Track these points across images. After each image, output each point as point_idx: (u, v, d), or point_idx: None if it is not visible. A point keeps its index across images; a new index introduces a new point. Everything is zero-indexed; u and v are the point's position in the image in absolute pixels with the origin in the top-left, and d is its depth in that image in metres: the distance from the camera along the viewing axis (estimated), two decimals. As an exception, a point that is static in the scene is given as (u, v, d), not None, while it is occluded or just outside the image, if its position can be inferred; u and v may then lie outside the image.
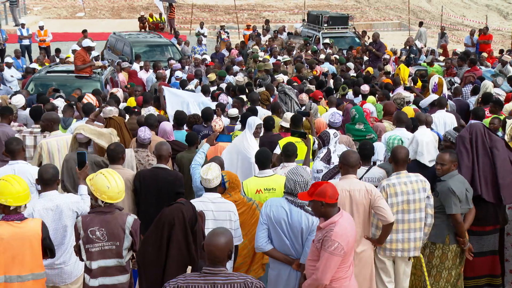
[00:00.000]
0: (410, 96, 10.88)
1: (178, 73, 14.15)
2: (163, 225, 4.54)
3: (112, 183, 4.70)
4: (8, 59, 15.00)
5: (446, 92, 11.27)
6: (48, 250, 4.80)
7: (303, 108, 9.87)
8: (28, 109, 9.14)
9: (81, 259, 4.77)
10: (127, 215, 4.75)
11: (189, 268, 4.42)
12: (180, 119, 8.43)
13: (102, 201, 4.70)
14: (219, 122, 7.70)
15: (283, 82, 12.50)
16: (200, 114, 8.84)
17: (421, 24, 23.53)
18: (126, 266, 4.76)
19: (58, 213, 5.14)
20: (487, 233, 6.17)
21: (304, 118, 8.20)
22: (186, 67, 15.65)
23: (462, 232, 5.73)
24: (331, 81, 14.02)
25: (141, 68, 15.15)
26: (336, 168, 6.24)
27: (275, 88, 11.66)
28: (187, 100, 9.90)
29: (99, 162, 6.52)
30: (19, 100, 9.21)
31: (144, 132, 6.95)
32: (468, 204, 5.78)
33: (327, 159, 6.69)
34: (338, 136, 7.00)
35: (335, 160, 6.63)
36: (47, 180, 5.20)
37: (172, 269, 4.47)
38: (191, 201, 5.17)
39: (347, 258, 4.51)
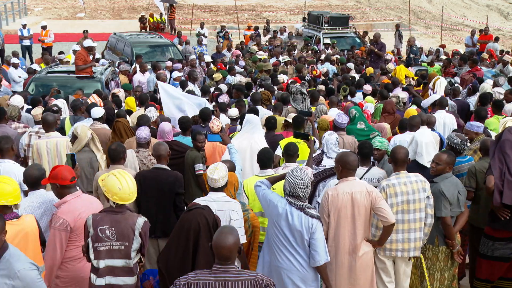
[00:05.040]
0: (405, 97, 10.87)
1: (174, 74, 14.12)
2: (188, 231, 4.43)
3: (124, 185, 4.69)
4: (14, 60, 14.97)
5: (441, 92, 11.23)
6: (41, 243, 4.82)
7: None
8: (30, 110, 9.13)
9: (88, 260, 4.73)
10: (138, 217, 4.73)
11: None
12: (184, 122, 8.27)
13: (114, 202, 4.69)
14: (217, 123, 7.64)
15: (283, 82, 12.51)
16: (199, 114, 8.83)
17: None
18: (133, 268, 4.73)
19: (43, 210, 5.14)
20: None
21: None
22: (186, 68, 15.61)
23: (451, 235, 5.70)
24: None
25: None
26: (331, 170, 6.22)
27: (276, 88, 11.65)
28: (184, 103, 9.81)
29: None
30: (20, 101, 9.22)
31: (141, 132, 6.95)
32: (459, 207, 5.73)
33: (318, 160, 6.64)
34: (334, 140, 6.79)
35: (326, 163, 6.56)
36: (32, 181, 5.24)
37: None
38: (196, 200, 5.19)
39: (78, 237, 4.83)
